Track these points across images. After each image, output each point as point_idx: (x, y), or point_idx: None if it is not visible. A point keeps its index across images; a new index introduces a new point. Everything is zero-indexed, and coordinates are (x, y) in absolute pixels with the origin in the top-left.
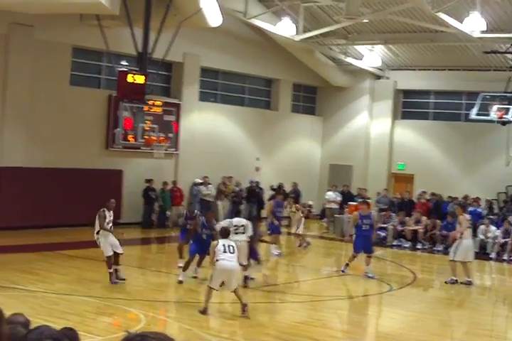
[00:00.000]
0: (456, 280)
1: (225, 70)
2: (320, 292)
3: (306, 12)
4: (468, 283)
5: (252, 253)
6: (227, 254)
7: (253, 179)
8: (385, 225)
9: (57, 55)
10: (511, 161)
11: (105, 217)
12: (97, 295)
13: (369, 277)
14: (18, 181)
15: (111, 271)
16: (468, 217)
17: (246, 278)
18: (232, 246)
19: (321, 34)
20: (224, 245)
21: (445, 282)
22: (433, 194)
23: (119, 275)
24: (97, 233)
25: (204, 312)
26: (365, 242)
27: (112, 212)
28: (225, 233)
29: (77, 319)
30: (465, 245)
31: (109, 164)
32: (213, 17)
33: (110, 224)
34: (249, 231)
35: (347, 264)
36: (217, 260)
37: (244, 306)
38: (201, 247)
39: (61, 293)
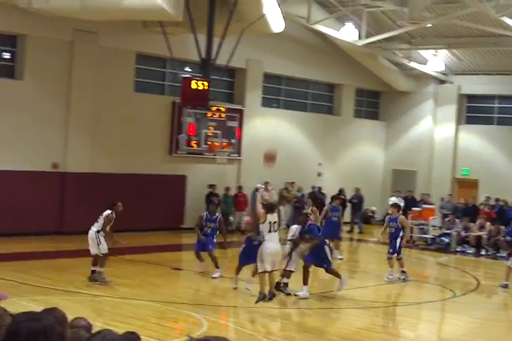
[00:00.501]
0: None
1: (288, 76)
2: (382, 298)
3: (369, 17)
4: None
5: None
6: (272, 234)
7: (315, 184)
8: (448, 231)
9: (121, 61)
10: None
11: (111, 221)
12: (160, 299)
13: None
14: (83, 186)
15: (98, 269)
16: None
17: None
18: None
19: (384, 39)
20: (270, 223)
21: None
22: (497, 200)
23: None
24: (97, 232)
25: (264, 298)
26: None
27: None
28: (270, 208)
29: (140, 323)
30: None
31: (173, 170)
32: (276, 23)
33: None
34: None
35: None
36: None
37: (272, 295)
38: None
39: (124, 298)
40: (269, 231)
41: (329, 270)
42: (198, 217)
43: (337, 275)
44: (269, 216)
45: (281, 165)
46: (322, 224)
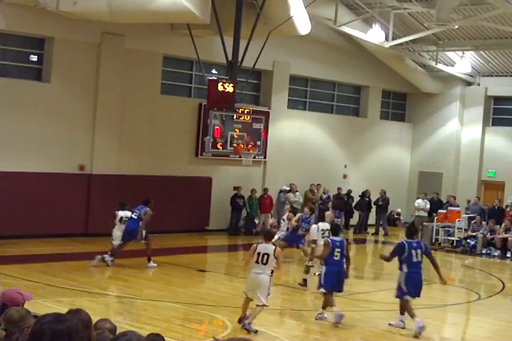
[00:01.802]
0: None
1: (314, 78)
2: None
3: (396, 19)
4: None
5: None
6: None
7: (341, 186)
8: (474, 233)
9: (148, 63)
10: None
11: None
12: (185, 301)
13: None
14: (109, 188)
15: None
16: None
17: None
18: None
19: (411, 40)
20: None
21: None
22: None
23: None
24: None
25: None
26: None
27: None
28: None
29: (164, 325)
30: None
31: (199, 171)
32: (303, 25)
33: None
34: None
35: None
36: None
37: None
38: None
39: (149, 299)
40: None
41: None
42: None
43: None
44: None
45: (306, 167)
46: None
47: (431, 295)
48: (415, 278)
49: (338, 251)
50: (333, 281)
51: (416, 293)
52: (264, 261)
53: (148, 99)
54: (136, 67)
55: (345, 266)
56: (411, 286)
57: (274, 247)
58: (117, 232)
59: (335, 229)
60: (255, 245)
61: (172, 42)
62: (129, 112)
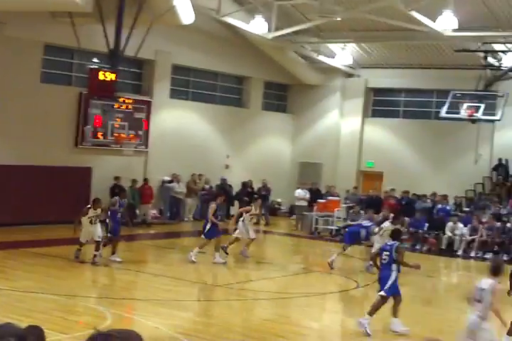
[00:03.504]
0: None
1: (197, 68)
2: (287, 289)
3: (279, 10)
4: None
5: None
6: None
7: (224, 176)
8: (353, 222)
9: (28, 52)
10: (480, 159)
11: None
12: (64, 293)
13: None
14: None
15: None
16: None
17: None
18: None
19: (293, 32)
20: None
21: None
22: (406, 192)
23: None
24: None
25: None
26: None
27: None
28: None
29: (43, 317)
30: None
31: (79, 161)
32: (186, 14)
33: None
34: None
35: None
36: None
37: None
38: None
39: (27, 291)
40: None
41: None
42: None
43: None
44: None
45: (189, 157)
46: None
47: (310, 283)
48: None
49: None
50: None
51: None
52: None
53: (27, 88)
54: (16, 55)
55: None
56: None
57: None
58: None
59: None
60: None
61: (53, 30)
62: (8, 101)
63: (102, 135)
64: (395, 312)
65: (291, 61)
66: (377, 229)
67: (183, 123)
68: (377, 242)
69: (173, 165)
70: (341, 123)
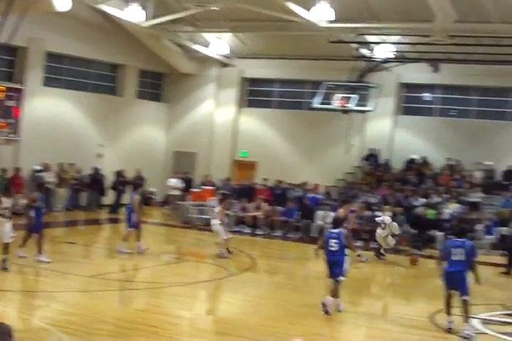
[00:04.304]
0: None
1: (71, 55)
2: (159, 279)
3: None
4: None
5: None
6: None
7: (96, 165)
8: (226, 212)
9: None
10: (351, 149)
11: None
12: None
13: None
14: None
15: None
16: None
17: None
18: None
19: (169, 21)
20: None
21: None
22: (280, 181)
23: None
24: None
25: None
26: None
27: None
28: None
29: None
30: None
31: None
32: (61, 1)
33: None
34: None
35: None
36: None
37: None
38: None
39: None
40: None
41: None
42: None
43: None
44: None
45: (62, 146)
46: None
47: (182, 272)
48: None
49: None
50: None
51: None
52: None
53: None
54: None
55: None
56: None
57: None
58: None
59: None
60: None
61: None
62: None
63: None
64: (335, 293)
65: (167, 50)
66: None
67: (56, 111)
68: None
69: (46, 154)
70: (216, 112)
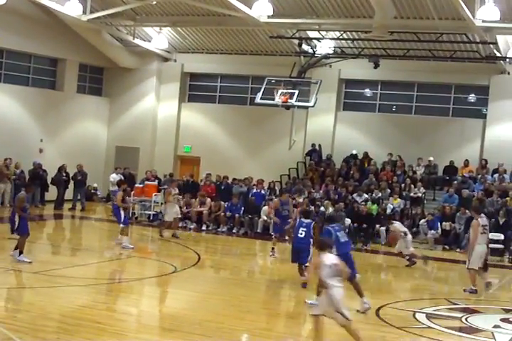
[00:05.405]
0: (476, 290)
1: (10, 49)
2: (104, 275)
3: None
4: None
5: None
6: None
7: (37, 160)
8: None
9: None
10: (294, 144)
11: None
12: None
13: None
14: None
15: None
16: (485, 220)
17: None
18: None
19: (109, 15)
20: None
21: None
22: (225, 177)
23: None
24: None
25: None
26: None
27: None
28: None
29: None
30: (479, 251)
31: None
32: None
33: None
34: None
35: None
36: None
37: None
38: None
39: None
40: None
41: None
42: None
43: None
44: None
45: (1, 142)
46: None
47: (128, 268)
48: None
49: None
50: None
51: None
52: None
53: None
54: None
55: None
56: None
57: None
58: None
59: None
60: None
61: None
62: None
63: None
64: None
65: (107, 44)
66: None
67: None
68: None
69: None
70: (158, 107)
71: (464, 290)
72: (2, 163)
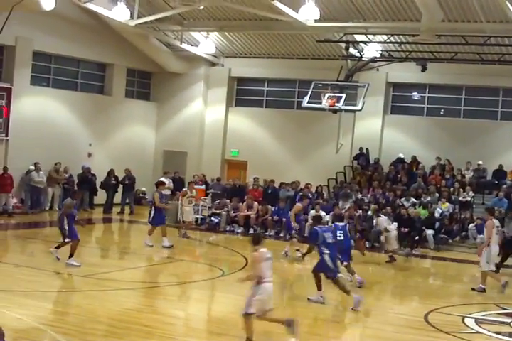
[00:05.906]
0: (484, 288)
1: (59, 54)
2: (152, 279)
3: None
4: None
5: None
6: None
7: (86, 165)
8: (218, 211)
9: None
10: (341, 148)
11: None
12: None
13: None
14: None
15: None
16: (496, 222)
17: None
18: None
19: (156, 20)
20: None
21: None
22: (272, 181)
23: None
24: None
25: None
26: None
27: None
28: None
29: None
30: (494, 250)
31: None
32: (47, 0)
33: None
34: None
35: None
36: None
37: None
38: None
39: None
40: None
41: None
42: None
43: None
44: None
45: (50, 146)
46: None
47: (176, 272)
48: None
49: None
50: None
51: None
52: None
53: None
54: None
55: None
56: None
57: None
58: None
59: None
60: None
61: None
62: None
63: None
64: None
65: (154, 49)
66: None
67: (44, 110)
68: None
69: (36, 153)
70: (205, 112)
71: (473, 289)
72: (52, 168)
